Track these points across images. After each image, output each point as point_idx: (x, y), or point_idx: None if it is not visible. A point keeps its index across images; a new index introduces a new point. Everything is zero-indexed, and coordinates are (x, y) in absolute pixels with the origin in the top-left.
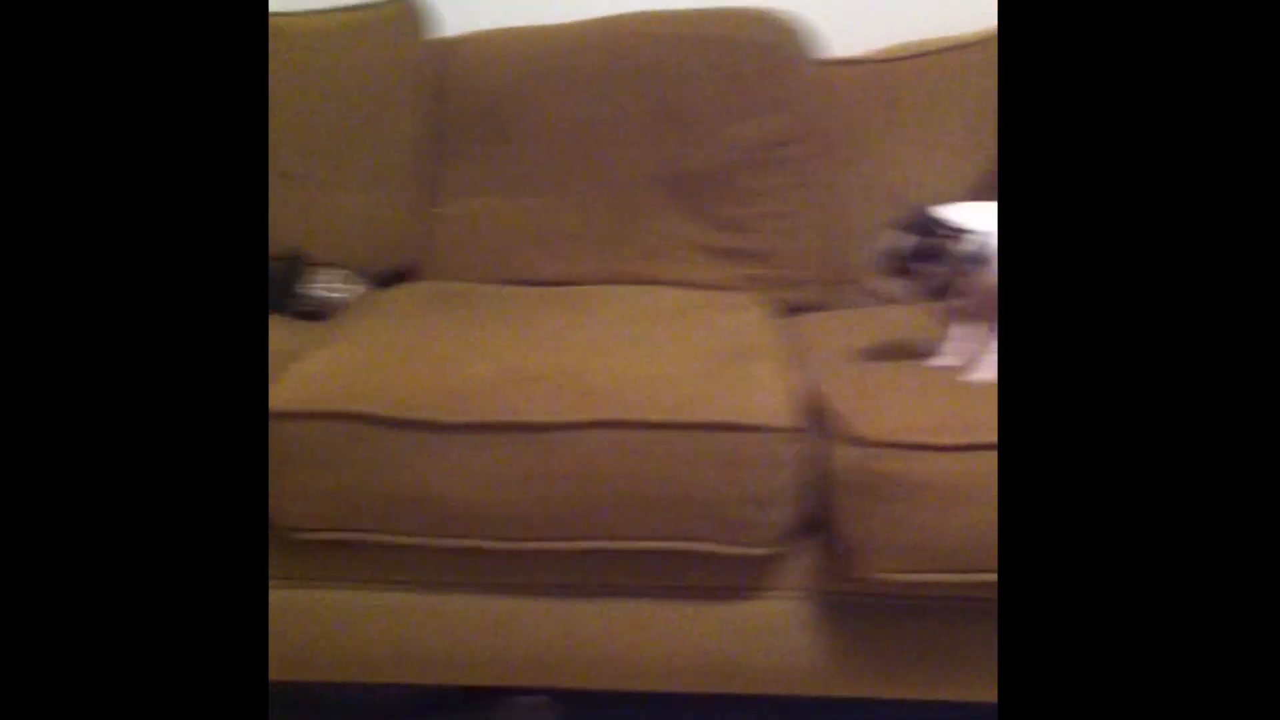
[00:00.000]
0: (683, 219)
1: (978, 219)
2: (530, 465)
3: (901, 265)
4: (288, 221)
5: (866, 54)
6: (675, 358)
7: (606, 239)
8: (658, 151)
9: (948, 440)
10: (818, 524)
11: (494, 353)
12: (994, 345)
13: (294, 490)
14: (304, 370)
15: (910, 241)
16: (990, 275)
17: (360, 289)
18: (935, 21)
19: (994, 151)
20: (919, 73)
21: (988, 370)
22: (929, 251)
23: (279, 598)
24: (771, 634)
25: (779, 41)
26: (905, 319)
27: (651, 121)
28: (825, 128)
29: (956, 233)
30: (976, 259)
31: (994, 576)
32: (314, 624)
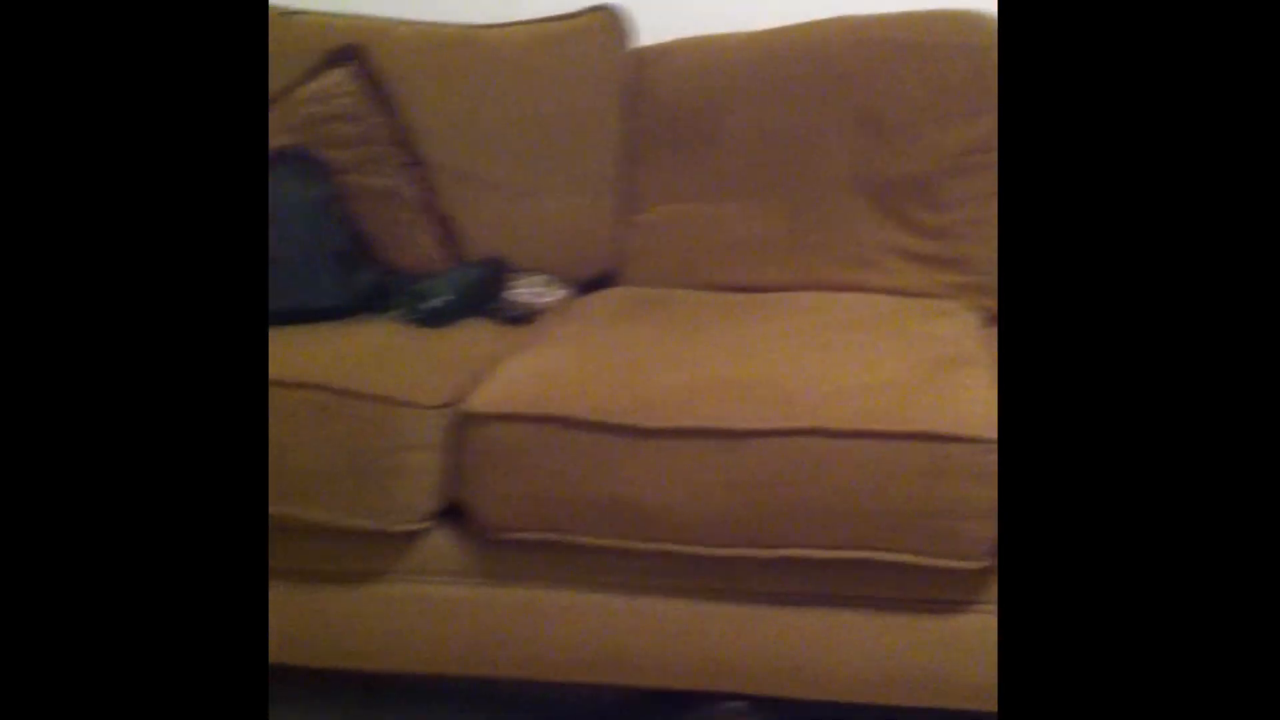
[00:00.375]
0: (884, 225)
1: None
2: (725, 472)
3: None
4: (491, 228)
5: None
6: (875, 365)
7: (806, 245)
8: (859, 157)
9: None
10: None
11: (692, 359)
12: None
13: (496, 491)
14: (507, 373)
15: None
16: None
17: (561, 294)
18: None
19: None
20: None
21: None
22: None
23: (480, 595)
24: (980, 649)
25: (983, 44)
26: None
27: (852, 127)
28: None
29: None
30: None
31: None
32: (513, 622)
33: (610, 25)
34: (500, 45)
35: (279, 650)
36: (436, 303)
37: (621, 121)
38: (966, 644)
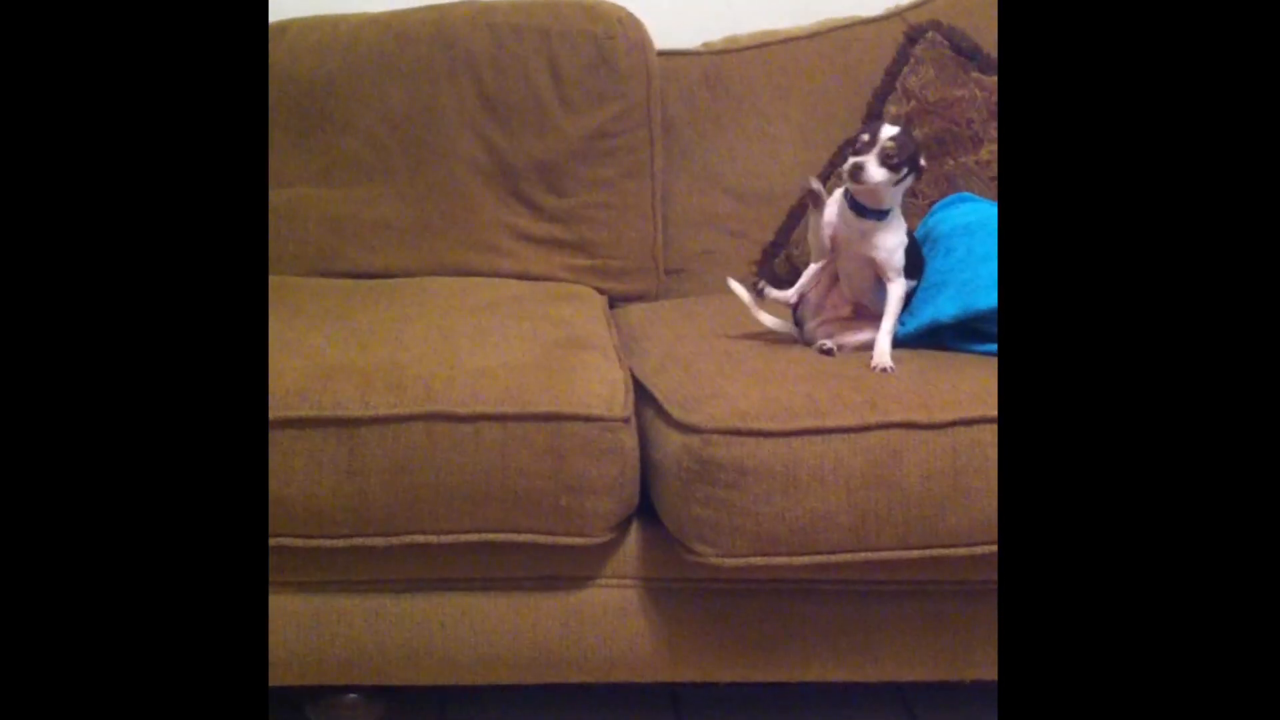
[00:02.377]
0: (510, 210)
1: None
2: (345, 460)
3: (898, 161)
4: None
5: (696, 47)
6: (498, 349)
7: (432, 230)
8: (484, 142)
9: (774, 426)
10: (648, 512)
11: (307, 348)
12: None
13: None
14: None
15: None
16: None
17: None
18: (764, 15)
19: (830, 144)
20: (748, 66)
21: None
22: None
23: None
24: (604, 622)
25: (608, 32)
26: (731, 308)
27: (477, 111)
28: (654, 119)
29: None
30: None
31: (824, 558)
32: None
33: None
34: None
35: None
36: None
37: None
38: (593, 619)
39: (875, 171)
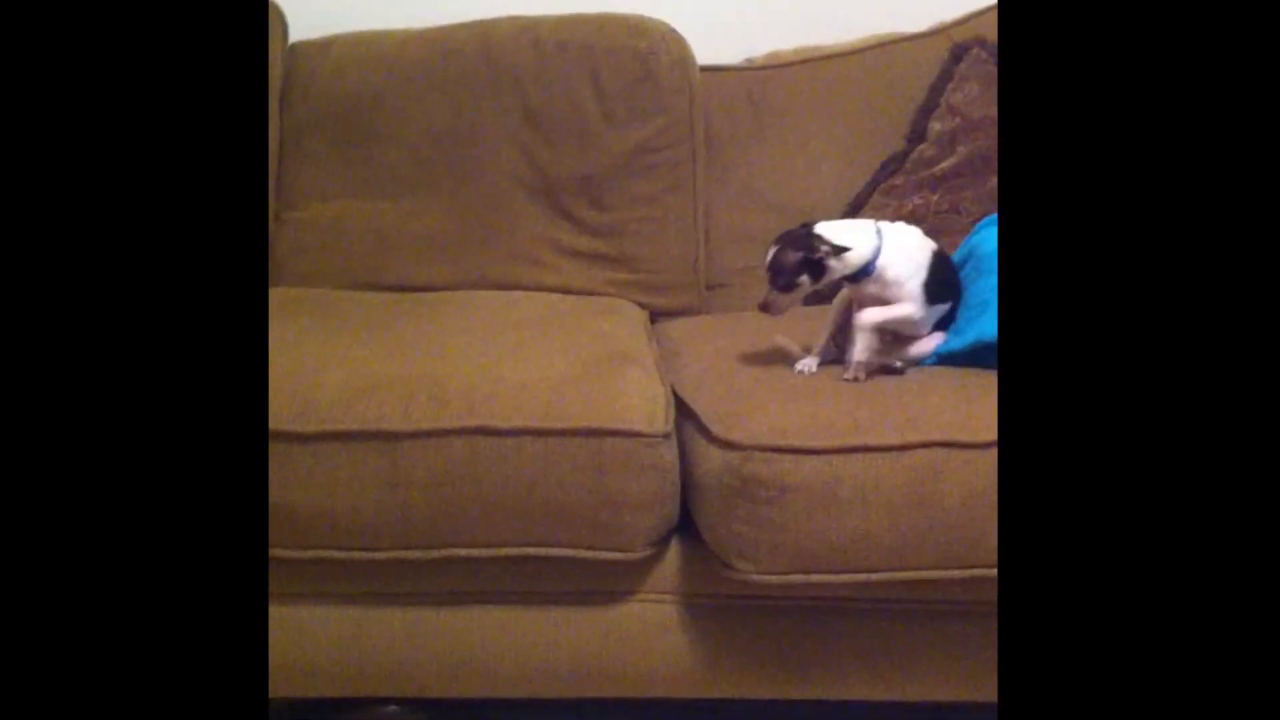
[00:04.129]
0: (552, 224)
1: (855, 237)
2: (386, 473)
3: (787, 281)
4: None
5: (739, 62)
6: (539, 363)
7: (473, 243)
8: (526, 156)
9: (815, 444)
10: (688, 527)
11: (349, 360)
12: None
13: None
14: None
15: (795, 257)
16: (868, 286)
17: None
18: (807, 31)
19: (871, 161)
20: (791, 82)
21: (857, 370)
22: (810, 267)
23: None
24: (643, 637)
25: (651, 48)
26: (773, 325)
27: (520, 126)
28: (696, 135)
29: (836, 250)
30: (855, 277)
31: (864, 577)
32: None
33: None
34: None
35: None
36: None
37: (276, 116)
38: (631, 634)
39: (781, 300)
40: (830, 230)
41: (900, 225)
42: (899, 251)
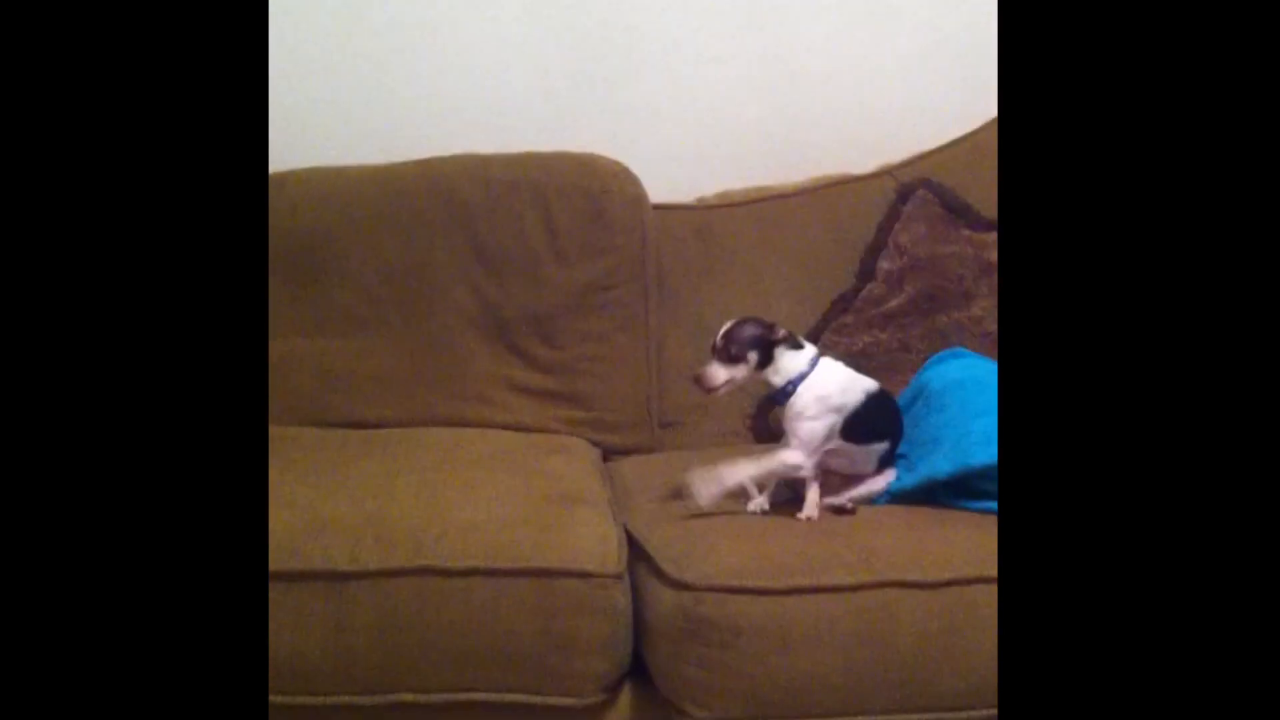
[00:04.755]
0: (502, 361)
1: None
2: (333, 615)
3: (736, 351)
4: None
5: (691, 201)
6: (489, 503)
7: (423, 381)
8: (477, 294)
9: (769, 584)
10: (640, 671)
11: (295, 500)
12: (813, 489)
13: None
14: None
15: (752, 331)
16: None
17: None
18: (757, 171)
19: (822, 299)
20: (742, 220)
21: (810, 509)
22: (761, 346)
23: None
24: None
25: (604, 187)
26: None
27: (472, 264)
28: (648, 273)
29: (791, 340)
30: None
31: None
32: None
33: None
34: None
35: None
36: None
37: None
38: None
39: (717, 372)
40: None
41: (836, 365)
42: (817, 391)
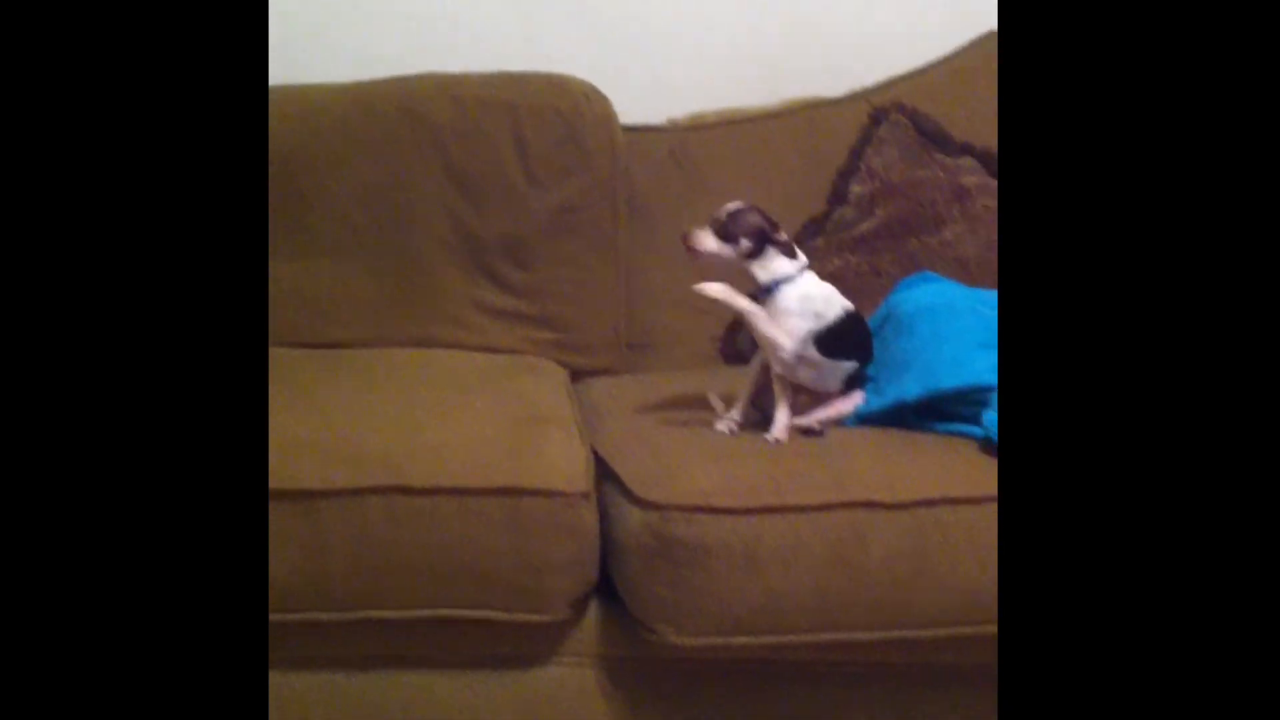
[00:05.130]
0: (475, 284)
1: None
2: (302, 535)
3: (732, 231)
4: None
5: (662, 123)
6: (460, 423)
7: (396, 303)
8: (449, 215)
9: (736, 504)
10: (608, 589)
11: (271, 421)
12: (782, 410)
13: None
14: None
15: (756, 220)
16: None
17: None
18: (730, 93)
19: (793, 223)
20: (714, 143)
21: (779, 431)
22: (758, 238)
23: None
24: (562, 702)
25: (575, 107)
26: (694, 385)
27: (444, 186)
28: (619, 195)
29: (788, 245)
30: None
31: (785, 638)
32: None
33: None
34: None
35: None
36: None
37: None
38: (550, 698)
39: (707, 240)
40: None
41: (820, 281)
42: (802, 290)
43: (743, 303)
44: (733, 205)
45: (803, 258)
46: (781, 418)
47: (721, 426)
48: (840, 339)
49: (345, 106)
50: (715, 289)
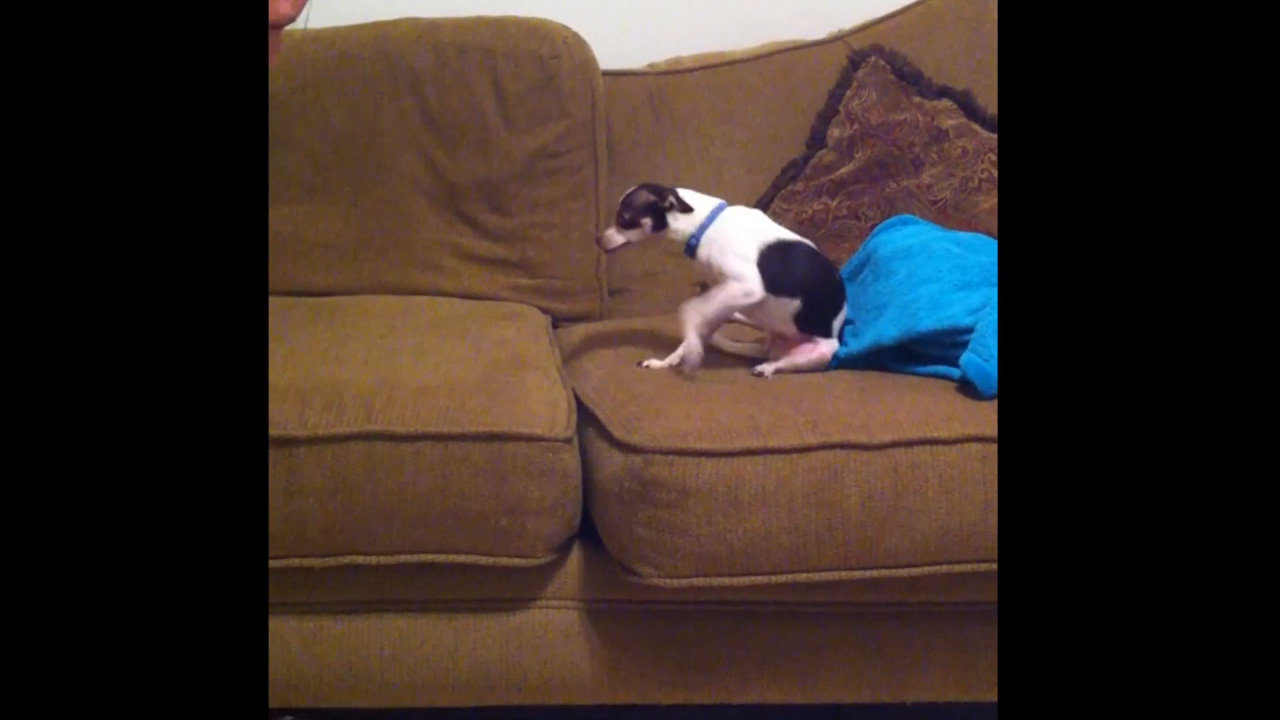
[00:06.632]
0: (452, 229)
1: (700, 207)
2: (284, 480)
3: (631, 218)
4: None
5: (641, 67)
6: (439, 368)
7: (373, 249)
8: (426, 160)
9: (716, 446)
10: (590, 533)
11: None
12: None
13: None
14: None
15: (645, 199)
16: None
17: None
18: (708, 37)
19: (773, 167)
20: (693, 87)
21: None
22: (654, 213)
23: None
24: (544, 644)
25: (553, 52)
26: (675, 330)
27: (421, 130)
28: (598, 140)
29: (681, 205)
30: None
31: (765, 579)
32: None
33: None
34: None
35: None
36: None
37: None
38: (532, 641)
39: (613, 236)
40: (687, 195)
41: (749, 211)
42: (724, 227)
43: (708, 309)
44: (625, 193)
45: (709, 201)
46: (688, 349)
47: (650, 364)
48: (782, 269)
49: (319, 51)
50: (688, 329)
